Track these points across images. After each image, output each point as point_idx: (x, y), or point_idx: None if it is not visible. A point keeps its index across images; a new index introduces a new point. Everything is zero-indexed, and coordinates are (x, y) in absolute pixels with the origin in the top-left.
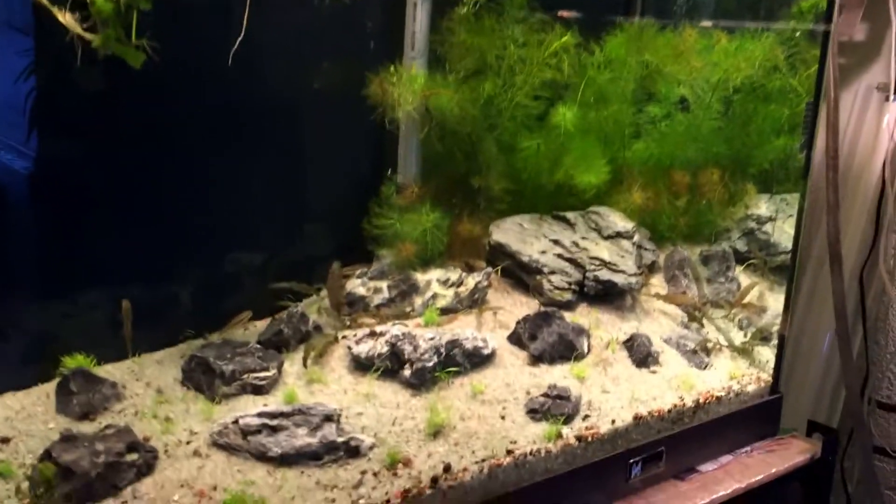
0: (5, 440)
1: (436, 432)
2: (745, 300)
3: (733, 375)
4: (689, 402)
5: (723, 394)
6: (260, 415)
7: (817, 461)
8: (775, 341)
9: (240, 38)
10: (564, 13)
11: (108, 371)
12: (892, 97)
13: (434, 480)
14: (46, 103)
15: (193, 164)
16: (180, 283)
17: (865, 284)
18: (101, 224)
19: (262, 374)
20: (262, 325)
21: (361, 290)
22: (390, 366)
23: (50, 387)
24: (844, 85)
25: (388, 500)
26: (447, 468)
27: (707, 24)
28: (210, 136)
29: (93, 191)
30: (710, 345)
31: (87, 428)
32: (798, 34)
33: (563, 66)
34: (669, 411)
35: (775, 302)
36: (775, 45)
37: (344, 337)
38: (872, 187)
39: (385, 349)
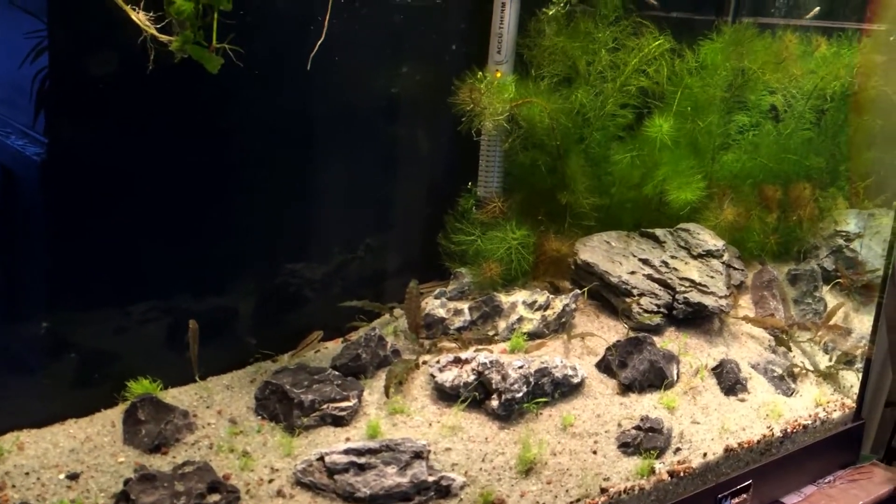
0: (74, 476)
1: (528, 469)
2: (831, 321)
3: (819, 402)
4: (777, 432)
5: (809, 422)
6: (347, 451)
7: None
8: (859, 365)
9: (320, 41)
10: (655, 13)
11: (175, 397)
12: None
13: None
14: None
15: (260, 170)
16: (244, 299)
17: None
18: (163, 235)
19: (343, 405)
20: (332, 346)
21: (441, 312)
22: (477, 396)
23: (114, 413)
24: None
25: None
26: None
27: (800, 24)
28: (278, 141)
29: (155, 197)
30: (796, 370)
31: (159, 462)
32: (893, 38)
33: (657, 73)
34: (758, 442)
35: (860, 323)
36: (873, 51)
37: (425, 363)
38: None
39: (471, 378)
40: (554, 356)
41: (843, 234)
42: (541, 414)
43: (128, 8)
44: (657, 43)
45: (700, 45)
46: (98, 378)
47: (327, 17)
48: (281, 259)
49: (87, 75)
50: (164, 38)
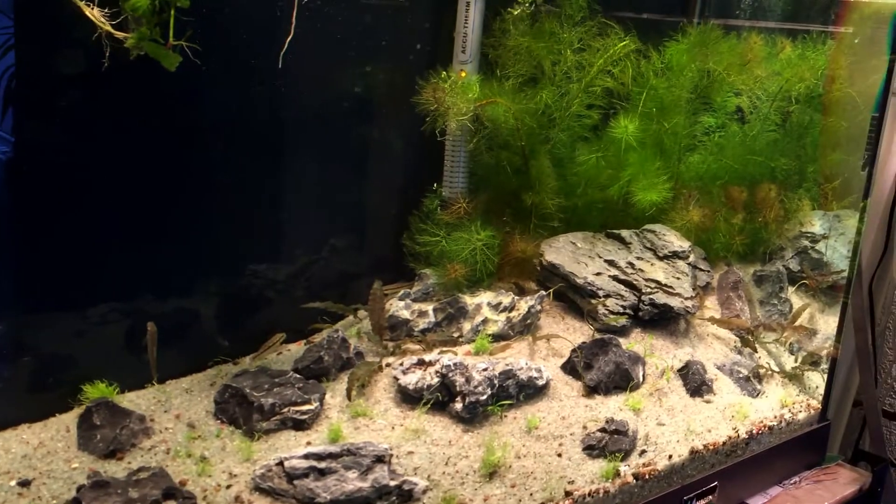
0: (25, 483)
1: (491, 473)
2: (797, 322)
3: (785, 403)
4: (742, 434)
5: (775, 423)
6: (307, 456)
7: (867, 492)
8: (824, 366)
9: (289, 38)
10: (621, 13)
11: (132, 401)
12: None
13: None
14: None
15: (220, 170)
16: (205, 300)
17: (875, 295)
18: (122, 236)
19: (304, 408)
20: (295, 348)
21: (405, 313)
22: (440, 398)
23: (69, 418)
24: None
25: None
26: None
27: (766, 25)
28: (239, 141)
29: (114, 198)
30: (762, 371)
31: (114, 468)
32: (857, 41)
33: (623, 74)
34: (724, 444)
35: (825, 324)
36: (838, 53)
37: (388, 365)
38: (885, 196)
39: (435, 381)
40: (519, 358)
41: (809, 235)
42: (505, 416)
43: (81, 4)
44: (623, 44)
45: (666, 46)
46: (53, 382)
47: (294, 14)
48: (243, 260)
49: (50, 73)
50: (119, 34)
